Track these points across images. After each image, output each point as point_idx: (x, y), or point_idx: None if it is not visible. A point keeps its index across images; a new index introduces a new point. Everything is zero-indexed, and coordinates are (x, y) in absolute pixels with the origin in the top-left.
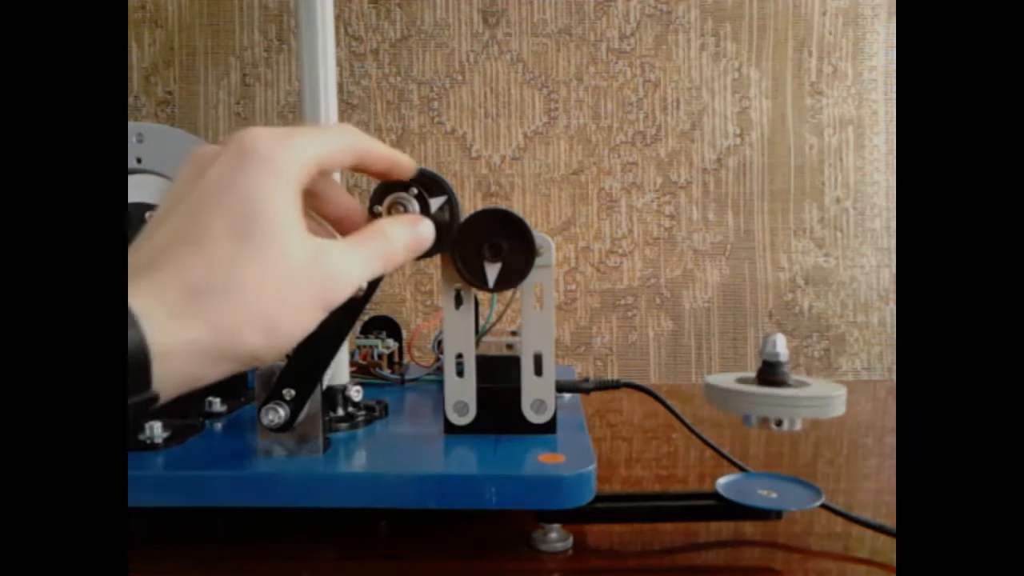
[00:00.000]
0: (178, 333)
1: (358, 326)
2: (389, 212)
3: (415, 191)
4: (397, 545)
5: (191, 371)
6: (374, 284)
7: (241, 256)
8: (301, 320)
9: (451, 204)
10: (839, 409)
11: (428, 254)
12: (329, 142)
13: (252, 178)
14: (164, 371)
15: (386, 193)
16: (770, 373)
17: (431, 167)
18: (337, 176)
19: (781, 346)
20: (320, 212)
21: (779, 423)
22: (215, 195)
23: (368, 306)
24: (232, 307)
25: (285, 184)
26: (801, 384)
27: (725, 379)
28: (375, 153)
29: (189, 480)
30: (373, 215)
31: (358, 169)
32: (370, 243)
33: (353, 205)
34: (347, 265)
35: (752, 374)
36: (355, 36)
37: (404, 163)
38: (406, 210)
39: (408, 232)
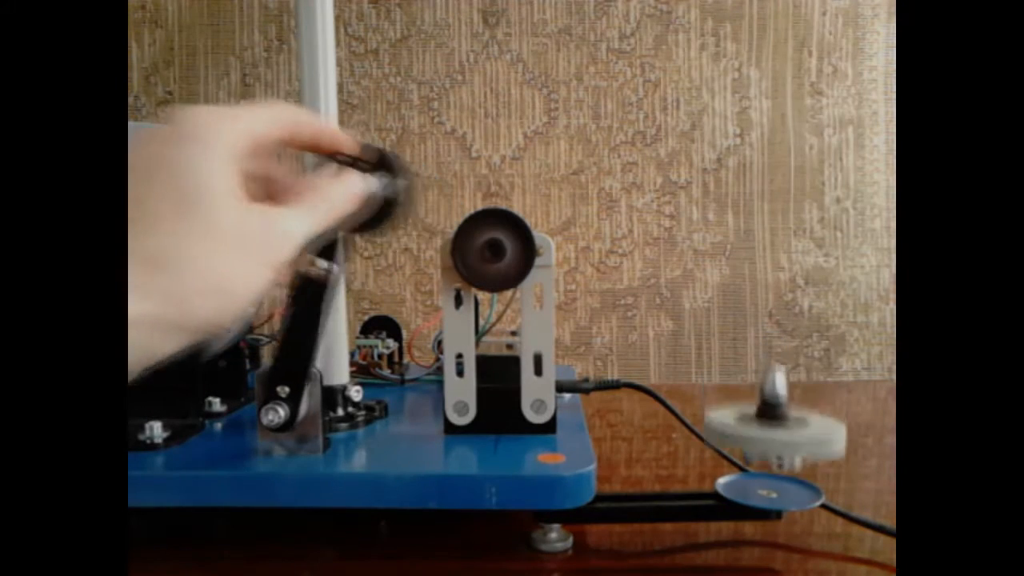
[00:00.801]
0: (138, 307)
1: (357, 325)
2: None
3: (367, 167)
4: (397, 545)
5: (152, 344)
6: (337, 264)
7: (185, 230)
8: (250, 282)
9: (399, 177)
10: (838, 451)
11: (376, 229)
12: (259, 114)
13: (187, 155)
14: (129, 344)
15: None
16: (769, 412)
17: (431, 167)
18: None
19: (780, 385)
20: (275, 196)
21: (779, 465)
22: (156, 174)
23: (368, 306)
24: (183, 280)
25: (218, 157)
26: (800, 423)
27: (725, 417)
28: (309, 125)
29: (189, 480)
30: None
31: (295, 145)
32: (307, 199)
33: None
34: (285, 220)
35: (751, 408)
36: (355, 36)
37: (343, 138)
38: None
39: (338, 183)
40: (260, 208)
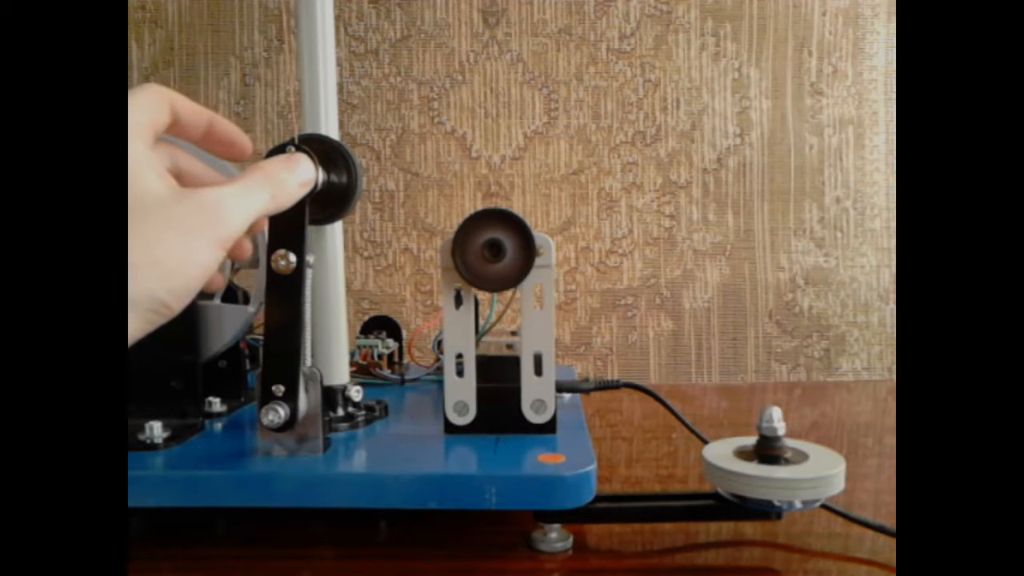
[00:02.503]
0: None
1: (357, 325)
2: None
3: (305, 152)
4: (397, 545)
5: None
6: (301, 253)
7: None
8: (194, 259)
9: (348, 166)
10: (838, 487)
11: (328, 220)
12: (140, 99)
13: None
14: None
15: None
16: (767, 447)
17: (431, 167)
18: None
19: (778, 420)
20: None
21: (779, 504)
22: None
23: (368, 306)
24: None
25: (134, 145)
26: (799, 456)
27: (723, 451)
28: (189, 107)
29: (189, 480)
30: None
31: (178, 130)
32: (248, 177)
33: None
34: (221, 196)
35: (750, 441)
36: (355, 36)
37: (231, 131)
38: None
39: (285, 165)
40: (192, 188)
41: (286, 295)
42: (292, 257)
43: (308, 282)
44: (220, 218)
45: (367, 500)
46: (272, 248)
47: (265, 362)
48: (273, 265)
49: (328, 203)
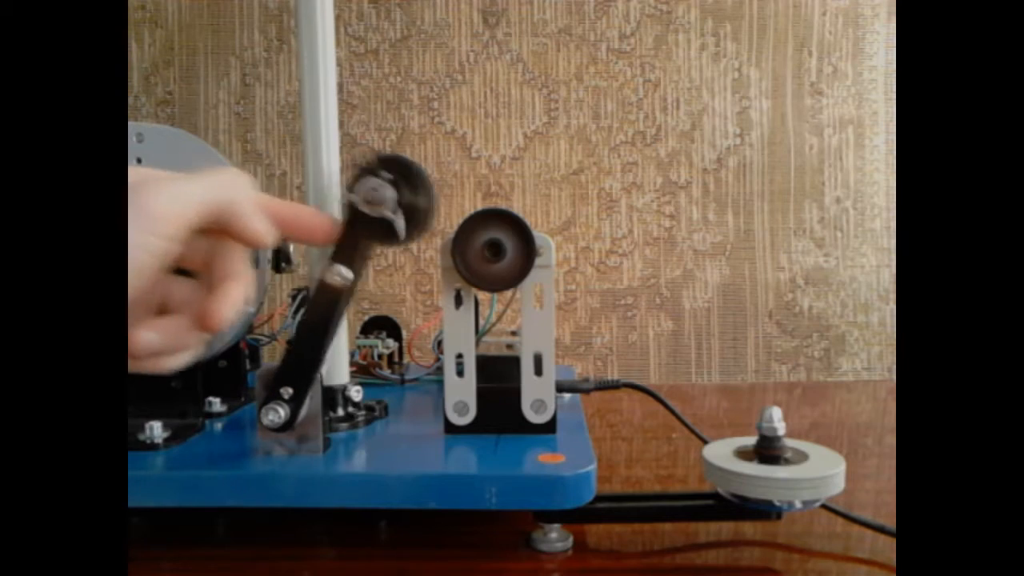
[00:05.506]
0: None
1: (357, 325)
2: (365, 201)
3: (390, 177)
4: (397, 545)
5: None
6: (358, 272)
7: None
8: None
9: (426, 190)
10: (838, 487)
11: (404, 240)
12: (189, 190)
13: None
14: None
15: (358, 179)
16: (767, 447)
17: (431, 167)
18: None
19: (778, 420)
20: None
21: (779, 504)
22: None
23: (368, 306)
24: None
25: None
26: (799, 456)
27: (723, 451)
28: (244, 217)
29: (189, 480)
30: (347, 205)
31: (225, 232)
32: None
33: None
34: (161, 185)
35: (750, 441)
36: (355, 36)
37: (264, 235)
38: (380, 196)
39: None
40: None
41: (329, 307)
42: (348, 275)
43: (348, 303)
44: (143, 200)
45: (367, 500)
46: (333, 261)
47: (285, 360)
48: (328, 277)
49: (408, 223)
